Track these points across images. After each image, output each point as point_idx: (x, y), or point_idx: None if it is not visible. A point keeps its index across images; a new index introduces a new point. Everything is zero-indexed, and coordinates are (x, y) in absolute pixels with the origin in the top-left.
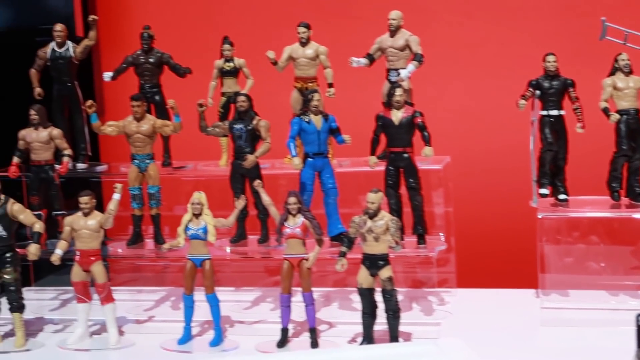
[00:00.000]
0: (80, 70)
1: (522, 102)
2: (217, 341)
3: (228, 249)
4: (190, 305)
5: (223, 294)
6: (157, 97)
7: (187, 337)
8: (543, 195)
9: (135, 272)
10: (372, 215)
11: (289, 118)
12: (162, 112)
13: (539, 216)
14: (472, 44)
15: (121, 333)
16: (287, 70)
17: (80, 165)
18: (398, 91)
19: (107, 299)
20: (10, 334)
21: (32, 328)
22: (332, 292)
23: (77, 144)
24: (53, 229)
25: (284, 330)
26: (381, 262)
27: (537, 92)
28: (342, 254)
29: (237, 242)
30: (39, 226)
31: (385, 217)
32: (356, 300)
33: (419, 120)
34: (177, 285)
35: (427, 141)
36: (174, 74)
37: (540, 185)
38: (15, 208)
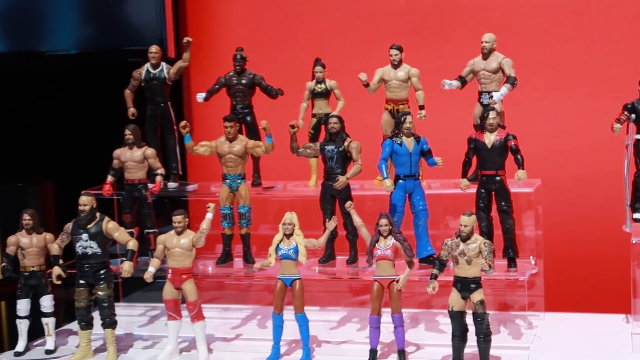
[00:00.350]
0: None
1: (617, 126)
2: None
3: (316, 269)
4: (280, 324)
5: (308, 313)
6: (248, 118)
7: (275, 356)
8: (637, 220)
9: (219, 290)
10: (465, 238)
11: (378, 139)
12: (253, 133)
13: (633, 241)
14: (564, 66)
15: (210, 351)
16: (377, 92)
17: (171, 184)
18: (492, 114)
19: (198, 316)
20: (100, 349)
21: (122, 344)
22: (417, 314)
23: (169, 163)
24: (144, 247)
25: (373, 352)
26: (473, 285)
27: (633, 115)
28: (434, 277)
29: (325, 262)
30: (132, 244)
31: (478, 240)
32: (442, 322)
33: (512, 143)
34: (261, 303)
35: (520, 164)
36: (266, 95)
37: (634, 210)
38: (110, 226)
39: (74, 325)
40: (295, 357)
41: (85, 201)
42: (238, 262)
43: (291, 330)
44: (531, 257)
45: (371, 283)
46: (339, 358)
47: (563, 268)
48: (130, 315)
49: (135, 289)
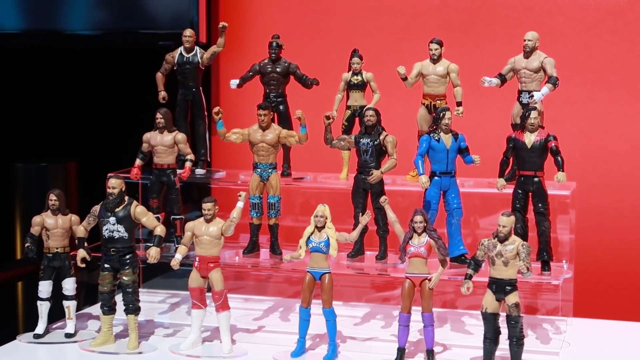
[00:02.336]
0: None
1: None
2: (331, 356)
3: (345, 264)
4: (307, 318)
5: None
6: (281, 107)
7: (301, 350)
8: None
9: (238, 280)
10: (503, 239)
11: (413, 134)
12: (286, 122)
13: None
14: (602, 68)
15: (233, 342)
16: (413, 87)
17: (199, 171)
18: (534, 114)
19: (223, 306)
20: (121, 334)
21: (143, 330)
22: (442, 313)
23: (197, 149)
24: (169, 233)
25: (401, 350)
26: (508, 288)
27: None
28: (469, 277)
29: (354, 257)
30: (160, 230)
31: (516, 242)
32: (468, 322)
33: (552, 144)
34: (282, 295)
35: (560, 166)
36: (300, 84)
37: None
38: (138, 210)
39: (93, 309)
40: (321, 352)
41: (115, 184)
42: (264, 252)
43: (316, 324)
44: (564, 261)
45: (400, 280)
46: (365, 355)
47: (592, 273)
48: (151, 302)
49: (156, 275)
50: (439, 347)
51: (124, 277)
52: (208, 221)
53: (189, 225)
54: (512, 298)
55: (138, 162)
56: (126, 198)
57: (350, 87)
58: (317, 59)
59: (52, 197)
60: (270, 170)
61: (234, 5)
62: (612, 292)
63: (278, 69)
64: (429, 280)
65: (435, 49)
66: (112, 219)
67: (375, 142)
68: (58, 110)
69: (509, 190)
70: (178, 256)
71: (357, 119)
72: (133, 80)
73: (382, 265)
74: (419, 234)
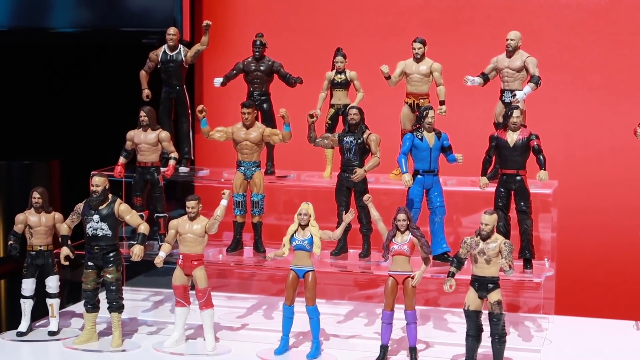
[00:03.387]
0: None
1: None
2: (314, 354)
3: (328, 261)
4: (290, 316)
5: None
6: (265, 105)
7: (284, 347)
8: None
9: (221, 277)
10: (485, 237)
11: (396, 133)
12: (269, 121)
13: None
14: (584, 67)
15: (216, 339)
16: (396, 85)
17: (182, 169)
18: (516, 112)
19: (207, 304)
20: (104, 332)
21: (127, 328)
22: (424, 311)
23: (181, 147)
24: (152, 231)
25: (384, 348)
26: (491, 285)
27: None
28: (451, 275)
29: (337, 255)
30: (143, 228)
31: (498, 240)
32: (451, 320)
33: (535, 143)
34: (265, 293)
35: (542, 165)
36: (283, 83)
37: None
38: (121, 208)
39: (76, 307)
40: (304, 349)
41: (98, 182)
42: (247, 250)
43: (299, 322)
44: (546, 259)
45: (383, 278)
46: (349, 352)
47: (574, 271)
48: (134, 300)
49: (139, 272)
50: (421, 344)
51: (107, 275)
52: (192, 219)
53: (173, 223)
54: (494, 296)
55: (122, 160)
56: (110, 196)
57: (333, 85)
58: (301, 57)
59: (36, 194)
60: (253, 169)
61: (217, 3)
62: (594, 290)
63: (262, 68)
64: (412, 278)
65: (419, 48)
66: (96, 217)
67: (359, 141)
68: (41, 108)
69: (492, 188)
70: (162, 254)
71: (340, 118)
72: (117, 78)
73: (365, 263)
74: (402, 232)
